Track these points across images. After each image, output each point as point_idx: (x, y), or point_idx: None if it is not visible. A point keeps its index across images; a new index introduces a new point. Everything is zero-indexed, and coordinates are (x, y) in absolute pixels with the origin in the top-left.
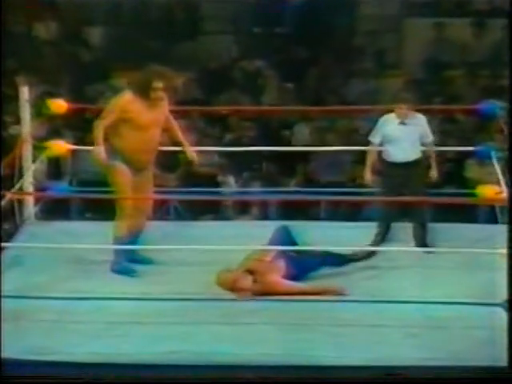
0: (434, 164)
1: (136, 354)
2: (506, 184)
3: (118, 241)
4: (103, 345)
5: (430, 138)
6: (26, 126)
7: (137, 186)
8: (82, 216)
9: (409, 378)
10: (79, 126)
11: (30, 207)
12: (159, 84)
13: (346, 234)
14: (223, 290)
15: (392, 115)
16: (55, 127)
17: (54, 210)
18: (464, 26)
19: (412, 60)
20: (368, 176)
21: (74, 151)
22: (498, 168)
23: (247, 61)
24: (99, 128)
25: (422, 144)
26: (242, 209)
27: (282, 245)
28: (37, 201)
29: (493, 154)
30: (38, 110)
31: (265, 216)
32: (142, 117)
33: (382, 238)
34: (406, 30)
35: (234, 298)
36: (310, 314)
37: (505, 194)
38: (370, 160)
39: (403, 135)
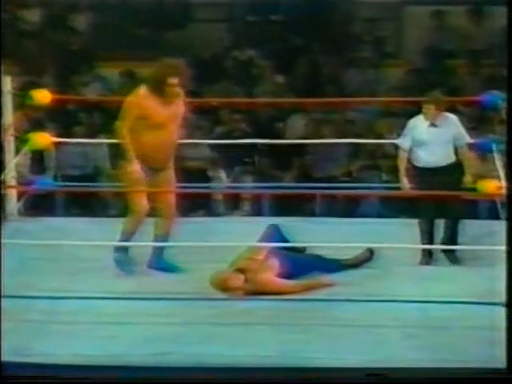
0: (468, 169)
1: (125, 356)
2: (505, 178)
3: (123, 237)
4: (90, 346)
5: (465, 139)
6: (8, 118)
7: (155, 186)
8: (67, 212)
9: (406, 380)
10: (64, 118)
11: (13, 203)
12: (174, 80)
13: (341, 230)
14: (215, 289)
15: (421, 117)
16: (39, 119)
17: (38, 205)
18: (465, 14)
19: (412, 49)
20: (404, 182)
21: (58, 144)
22: (498, 161)
23: (240, 50)
24: (124, 133)
25: (457, 146)
26: (234, 204)
27: (273, 243)
28: (20, 196)
29: (494, 146)
30: (21, 101)
31: (257, 212)
32: (157, 114)
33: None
34: (406, 17)
35: (226, 298)
36: (305, 313)
37: (504, 189)
38: (402, 166)
39: (434, 138)
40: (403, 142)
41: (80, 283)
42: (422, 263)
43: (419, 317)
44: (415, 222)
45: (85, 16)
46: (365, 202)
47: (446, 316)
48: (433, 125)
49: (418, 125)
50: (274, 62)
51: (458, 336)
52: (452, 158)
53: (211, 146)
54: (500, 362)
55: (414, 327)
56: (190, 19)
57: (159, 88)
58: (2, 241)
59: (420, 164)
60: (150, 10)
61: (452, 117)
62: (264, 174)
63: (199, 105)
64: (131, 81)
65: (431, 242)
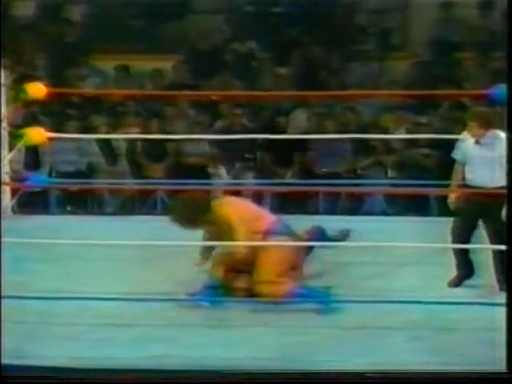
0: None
1: (120, 359)
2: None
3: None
4: (85, 348)
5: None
6: (2, 112)
7: None
8: (62, 210)
9: (408, 381)
10: (59, 112)
11: (7, 200)
12: None
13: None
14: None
15: None
16: (33, 113)
17: (32, 203)
18: (472, 5)
19: (418, 41)
20: (452, 197)
21: (53, 140)
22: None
23: (240, 42)
24: None
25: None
26: None
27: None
28: (14, 193)
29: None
30: (15, 95)
31: None
32: None
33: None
34: (412, 9)
35: (225, 299)
36: (307, 315)
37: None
38: (455, 179)
39: (478, 157)
40: (456, 155)
41: (75, 284)
42: (501, 289)
43: (422, 318)
44: (420, 220)
45: (80, 7)
46: (369, 199)
47: (450, 317)
48: (477, 142)
49: (467, 140)
50: (275, 55)
51: (466, 338)
52: (502, 181)
53: (211, 142)
54: (501, 364)
55: (419, 329)
56: (189, 10)
57: None
58: (2, 239)
59: (468, 182)
60: (147, 1)
61: (501, 136)
62: (265, 171)
63: (198, 99)
64: (126, 75)
65: (470, 268)
